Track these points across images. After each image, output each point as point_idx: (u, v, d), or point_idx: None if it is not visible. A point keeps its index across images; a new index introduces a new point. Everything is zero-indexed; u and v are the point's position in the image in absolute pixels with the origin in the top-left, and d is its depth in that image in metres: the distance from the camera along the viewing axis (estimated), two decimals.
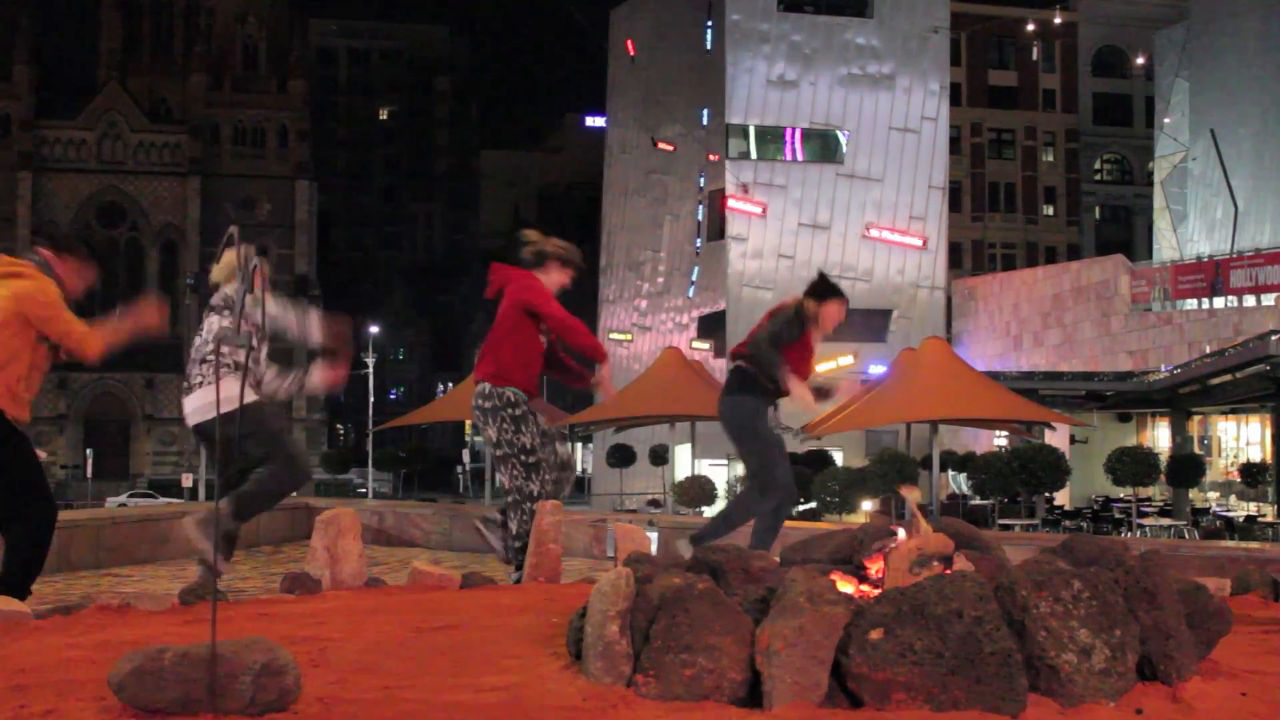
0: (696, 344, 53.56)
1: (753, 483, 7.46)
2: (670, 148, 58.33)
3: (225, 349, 6.77)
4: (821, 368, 44.30)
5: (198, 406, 6.83)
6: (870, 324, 53.68)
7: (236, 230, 3.68)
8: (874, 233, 55.16)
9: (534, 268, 7.36)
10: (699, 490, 27.29)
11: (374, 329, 71.47)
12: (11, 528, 6.19)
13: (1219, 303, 46.17)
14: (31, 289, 6.14)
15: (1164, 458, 29.75)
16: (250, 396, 6.83)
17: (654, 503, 37.95)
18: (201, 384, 6.83)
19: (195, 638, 3.83)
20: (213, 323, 6.88)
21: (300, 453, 7.15)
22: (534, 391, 7.27)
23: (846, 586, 4.05)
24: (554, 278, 7.36)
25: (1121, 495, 31.43)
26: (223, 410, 6.36)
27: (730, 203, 54.15)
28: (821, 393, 7.54)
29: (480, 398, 7.18)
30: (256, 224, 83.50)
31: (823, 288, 7.32)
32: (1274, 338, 28.83)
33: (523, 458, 7.12)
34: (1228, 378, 32.42)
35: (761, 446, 7.29)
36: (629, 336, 62.89)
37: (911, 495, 5.15)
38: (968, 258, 72.12)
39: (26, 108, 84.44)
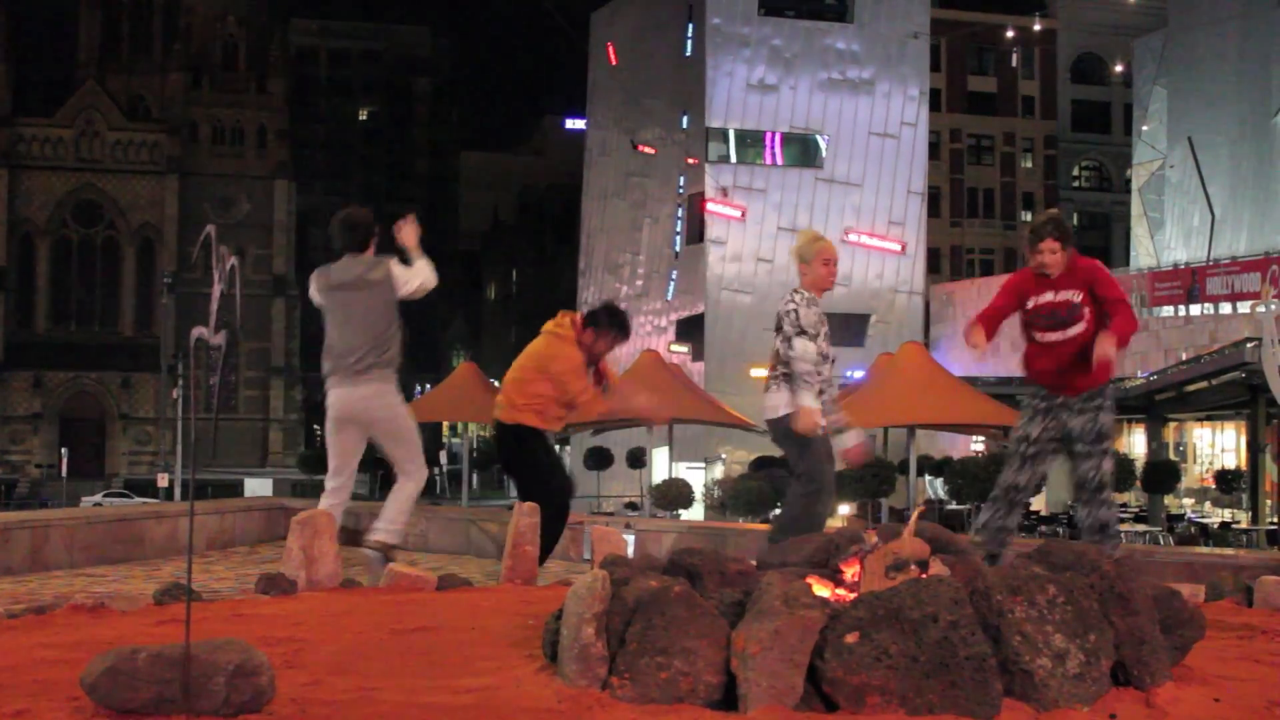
0: (675, 347, 53.60)
1: None
2: (650, 151, 58.34)
3: (788, 362, 7.36)
4: None
5: (764, 409, 7.61)
6: (848, 328, 53.73)
7: (213, 230, 3.67)
8: (853, 237, 55.21)
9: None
10: (676, 493, 27.28)
11: None
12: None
13: (1195, 310, 46.37)
14: (554, 352, 7.88)
15: (1140, 464, 29.86)
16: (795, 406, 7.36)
17: (631, 505, 37.92)
18: (766, 389, 7.55)
19: (169, 638, 3.82)
20: (803, 344, 7.33)
21: (825, 482, 7.47)
22: (1044, 380, 6.99)
23: (822, 590, 4.06)
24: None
25: None
26: (771, 417, 7.46)
27: (710, 206, 54.18)
28: None
29: None
30: (235, 224, 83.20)
31: None
32: (1249, 345, 28.95)
33: (1020, 447, 7.03)
34: (1204, 384, 32.56)
35: None
36: None
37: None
38: (946, 263, 72.31)
39: (3, 105, 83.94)
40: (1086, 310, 6.84)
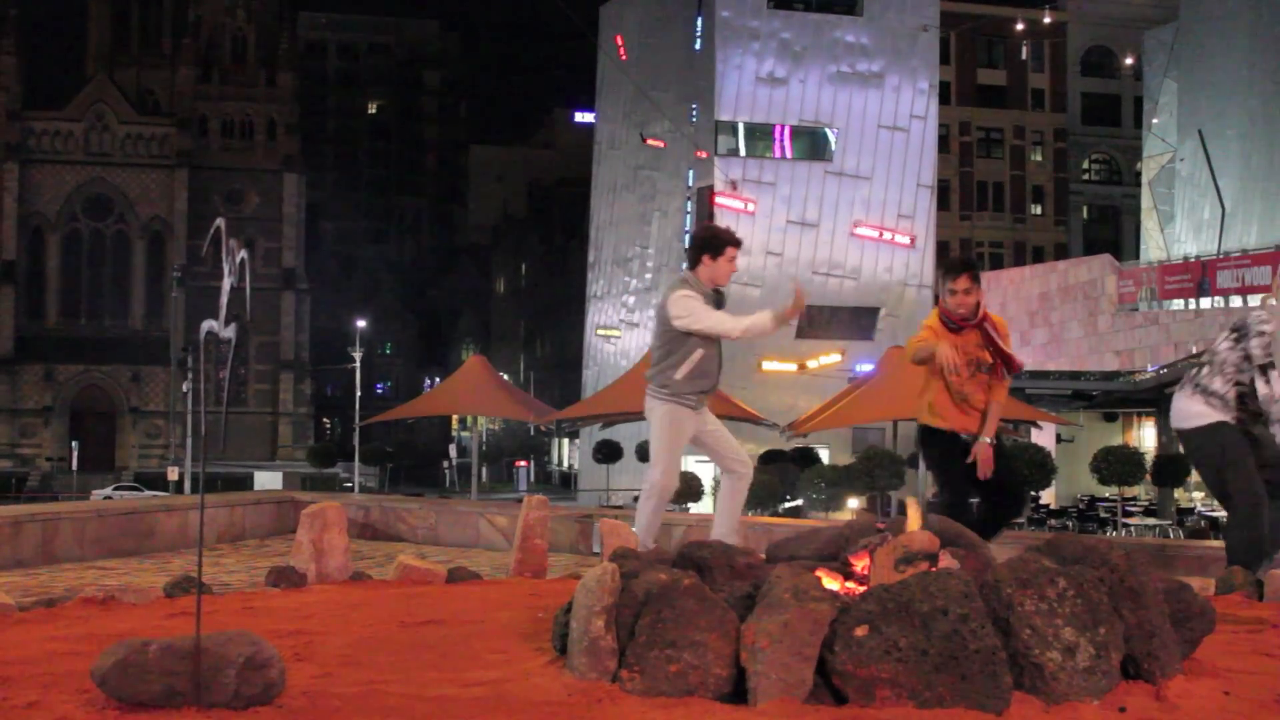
0: None
1: None
2: (659, 144, 58.30)
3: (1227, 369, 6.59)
4: (811, 364, 44.29)
5: (1173, 414, 7.02)
6: (858, 322, 53.81)
7: (223, 223, 3.67)
8: (862, 230, 55.19)
9: None
10: (686, 486, 27.24)
11: (361, 323, 71.38)
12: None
13: (1205, 303, 46.22)
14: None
15: (1149, 457, 29.76)
16: (1213, 417, 6.69)
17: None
18: (1178, 395, 6.91)
19: (179, 631, 3.82)
20: (1250, 346, 6.62)
21: (1253, 499, 6.61)
22: None
23: (832, 583, 4.05)
24: None
25: (1107, 494, 31.49)
26: (1185, 425, 6.76)
27: (719, 199, 54.15)
28: None
29: None
30: (244, 217, 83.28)
31: None
32: None
33: None
34: None
35: None
36: (617, 333, 62.89)
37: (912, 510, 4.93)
38: (956, 256, 72.14)
39: (13, 98, 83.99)
40: None
